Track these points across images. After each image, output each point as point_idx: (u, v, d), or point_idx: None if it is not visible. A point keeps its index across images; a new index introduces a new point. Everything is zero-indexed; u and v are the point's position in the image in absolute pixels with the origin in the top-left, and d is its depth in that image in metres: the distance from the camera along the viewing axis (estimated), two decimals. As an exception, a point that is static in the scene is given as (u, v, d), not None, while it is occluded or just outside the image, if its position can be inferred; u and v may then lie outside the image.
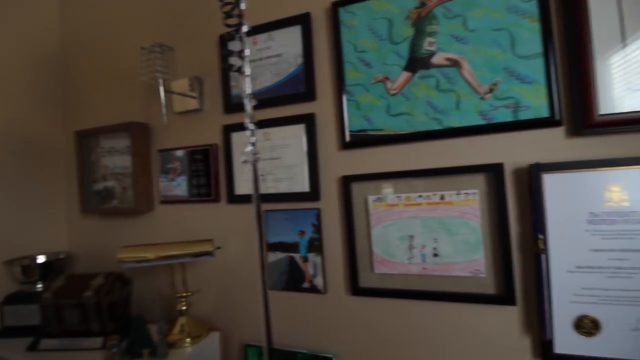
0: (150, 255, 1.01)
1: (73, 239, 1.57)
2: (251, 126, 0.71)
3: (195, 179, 1.25)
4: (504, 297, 0.87)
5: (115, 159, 1.41)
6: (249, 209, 1.18)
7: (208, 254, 1.04)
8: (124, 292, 1.21)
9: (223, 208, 1.22)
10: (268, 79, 1.15)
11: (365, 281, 1.01)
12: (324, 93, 1.08)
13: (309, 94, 1.08)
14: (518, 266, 0.87)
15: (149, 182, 1.35)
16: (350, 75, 1.04)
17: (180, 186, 1.28)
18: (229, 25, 0.69)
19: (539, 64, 0.85)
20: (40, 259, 1.38)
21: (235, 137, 1.19)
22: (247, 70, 0.68)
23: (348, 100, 1.03)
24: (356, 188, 1.02)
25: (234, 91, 1.20)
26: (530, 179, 0.83)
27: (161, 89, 1.16)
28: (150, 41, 1.34)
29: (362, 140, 1.02)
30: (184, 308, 1.13)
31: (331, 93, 1.07)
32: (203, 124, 1.27)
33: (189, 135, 1.29)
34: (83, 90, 1.56)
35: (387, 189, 0.99)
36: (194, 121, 1.28)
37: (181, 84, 1.27)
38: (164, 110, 1.17)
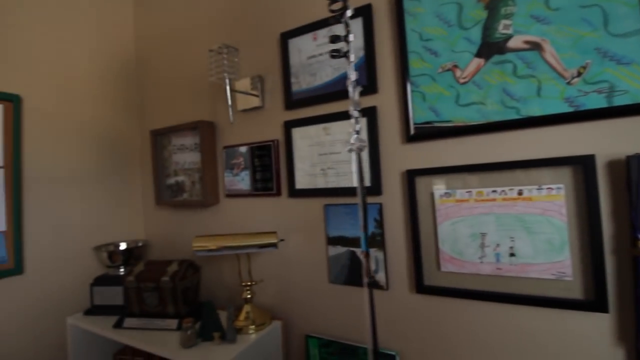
0: (220, 245, 1.08)
1: (149, 228, 1.73)
2: (355, 114, 0.70)
3: (257, 174, 1.31)
4: (594, 303, 0.78)
5: (185, 155, 1.52)
6: (309, 203, 1.20)
7: (272, 245, 1.08)
8: (194, 279, 1.31)
9: (284, 202, 1.26)
10: (329, 74, 1.15)
11: (430, 279, 0.98)
12: (387, 85, 1.06)
13: (371, 87, 1.07)
14: (611, 270, 0.78)
15: (215, 176, 1.43)
16: (415, 66, 1.00)
17: (243, 180, 1.34)
18: (333, 11, 0.71)
19: (638, 42, 0.75)
20: (122, 245, 1.53)
21: (296, 132, 1.22)
22: (352, 55, 0.68)
23: (413, 91, 1.00)
24: (421, 182, 0.99)
25: (295, 88, 1.22)
26: (629, 173, 0.73)
27: (227, 88, 1.22)
28: (216, 44, 1.42)
29: (427, 133, 0.98)
30: (249, 296, 1.18)
31: (394, 85, 1.04)
32: (264, 121, 1.31)
33: (251, 132, 1.34)
34: (156, 93, 1.70)
35: (456, 183, 0.94)
36: (256, 118, 1.34)
37: (244, 83, 1.32)
38: (230, 108, 1.23)
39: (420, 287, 0.98)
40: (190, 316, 1.23)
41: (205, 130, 1.41)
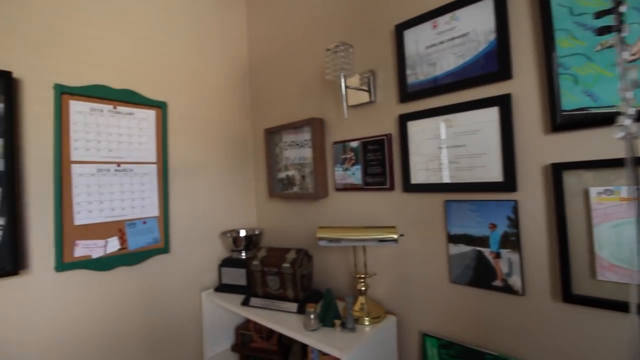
0: (342, 236, 1.12)
1: (260, 218, 1.89)
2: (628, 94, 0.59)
3: (369, 168, 1.32)
4: None
5: (295, 151, 1.62)
6: (426, 198, 1.16)
7: (392, 240, 1.08)
8: (309, 267, 1.39)
9: (397, 196, 1.24)
10: (451, 62, 1.09)
11: (581, 288, 0.86)
12: (524, 70, 0.95)
13: (504, 73, 0.98)
14: None
15: (325, 171, 1.49)
16: (563, 45, 0.88)
17: (354, 175, 1.37)
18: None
19: None
20: (242, 232, 1.71)
21: (412, 126, 1.19)
22: (625, 30, 0.57)
23: (560, 74, 0.88)
24: (571, 177, 0.87)
25: (411, 80, 1.19)
26: None
27: (343, 85, 1.25)
28: (326, 43, 1.47)
29: (580, 121, 0.85)
30: (363, 288, 1.21)
31: (534, 69, 0.94)
32: (376, 116, 1.31)
33: (362, 127, 1.36)
34: (266, 95, 1.84)
35: (620, 179, 0.80)
36: (367, 113, 1.34)
37: (355, 79, 1.34)
38: (345, 104, 1.26)
39: (568, 295, 0.87)
40: (306, 302, 1.31)
41: (317, 127, 1.48)
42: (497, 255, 0.99)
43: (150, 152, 1.49)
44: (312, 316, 1.13)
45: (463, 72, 1.06)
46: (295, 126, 1.58)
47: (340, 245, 1.15)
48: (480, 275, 1.03)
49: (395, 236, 1.07)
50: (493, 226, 1.00)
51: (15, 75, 1.16)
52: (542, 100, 0.92)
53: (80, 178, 1.29)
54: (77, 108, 1.29)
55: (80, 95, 1.30)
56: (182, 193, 1.61)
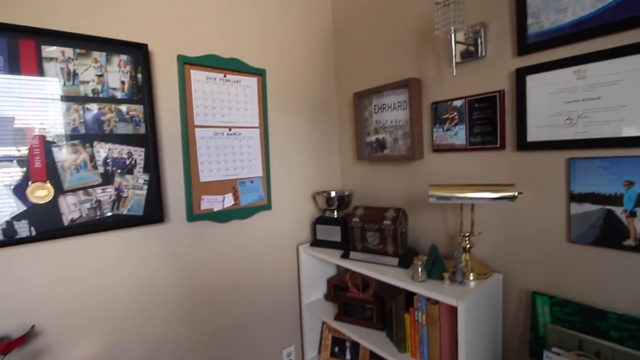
0: (456, 194, 1.14)
1: (345, 181, 1.97)
2: None
3: (475, 128, 1.29)
4: None
5: (387, 114, 1.63)
6: (543, 156, 1.12)
7: (510, 198, 1.07)
8: (406, 225, 1.44)
9: (508, 155, 1.21)
10: (587, 6, 0.99)
11: None
12: (689, 8, 0.84)
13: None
14: None
15: (421, 132, 1.49)
16: None
17: (457, 135, 1.35)
18: None
19: None
20: (332, 193, 1.80)
21: (531, 80, 1.12)
22: None
23: None
24: None
25: (533, 30, 1.11)
26: None
27: (453, 41, 1.21)
28: (428, -4, 1.41)
29: None
30: (468, 246, 1.23)
31: (703, 5, 0.82)
32: (485, 71, 1.26)
33: (468, 85, 1.32)
34: (351, 59, 1.84)
35: None
36: (474, 70, 1.29)
37: (459, 35, 1.28)
38: (454, 61, 1.22)
39: None
40: (405, 257, 1.38)
41: (414, 88, 1.46)
42: (632, 214, 0.94)
43: (254, 117, 1.60)
44: (419, 269, 1.19)
45: (602, 17, 0.97)
46: (389, 88, 1.57)
47: (449, 202, 1.17)
48: (609, 234, 0.99)
49: (514, 193, 1.06)
50: (629, 184, 0.94)
51: (149, 47, 1.31)
52: None
53: (202, 140, 1.44)
54: (197, 77, 1.43)
55: (198, 65, 1.43)
56: (278, 156, 1.72)
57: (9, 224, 1.04)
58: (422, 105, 1.49)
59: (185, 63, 1.39)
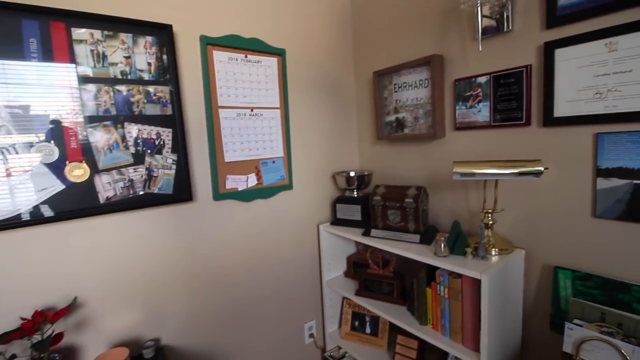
0: (480, 170, 1.15)
1: (364, 160, 1.99)
2: None
3: (500, 104, 1.28)
4: None
5: (408, 92, 1.62)
6: (569, 132, 1.12)
7: (536, 173, 1.07)
8: (427, 203, 1.46)
9: (534, 131, 1.21)
10: (622, -25, 0.96)
11: None
12: None
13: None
14: None
15: (443, 110, 1.48)
16: None
17: (480, 112, 1.34)
18: None
19: None
20: (352, 173, 1.82)
21: (560, 53, 1.10)
22: None
23: None
24: None
25: (563, 1, 1.08)
26: None
27: (479, 15, 1.19)
28: (452, -31, 1.38)
29: None
30: (491, 222, 1.25)
31: None
32: (511, 46, 1.24)
33: (492, 60, 1.30)
34: (370, 38, 1.82)
35: None
36: (500, 44, 1.27)
37: (489, 7, 1.26)
38: (479, 36, 1.21)
39: None
40: (426, 234, 1.40)
41: (437, 65, 1.45)
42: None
43: (274, 97, 1.62)
44: (442, 244, 1.22)
45: (639, -15, 0.94)
46: (411, 66, 1.56)
47: (473, 179, 1.18)
48: (636, 208, 0.99)
49: (541, 169, 1.06)
50: (660, 158, 0.94)
51: (173, 28, 1.32)
52: None
53: (225, 121, 1.47)
54: (219, 57, 1.44)
55: (220, 46, 1.44)
56: (298, 136, 1.74)
57: (51, 201, 1.09)
58: (445, 83, 1.48)
59: (208, 44, 1.40)
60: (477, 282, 1.11)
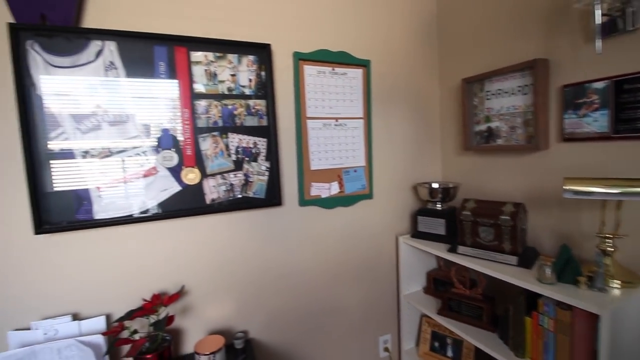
0: (599, 189, 1.00)
1: (447, 172, 1.89)
2: None
3: (623, 113, 1.11)
4: None
5: (503, 100, 1.50)
6: None
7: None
8: (526, 221, 1.32)
9: (673, 145, 1.02)
10: None
11: None
12: None
13: None
14: None
15: (546, 119, 1.34)
16: None
17: (596, 122, 1.18)
18: None
19: None
20: (435, 185, 1.75)
21: None
22: None
23: None
24: None
25: None
26: None
27: (598, 13, 1.05)
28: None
29: None
30: (611, 249, 1.07)
31: None
32: (636, 47, 1.07)
33: (611, 64, 1.13)
34: (458, 45, 1.74)
35: None
36: (621, 46, 1.11)
37: (607, 4, 1.11)
38: (599, 37, 1.07)
39: None
40: (525, 256, 1.27)
41: (541, 70, 1.32)
42: None
43: (358, 108, 1.65)
44: (548, 270, 1.09)
45: None
46: (508, 71, 1.45)
47: (589, 198, 1.04)
48: None
49: (685, 190, 0.89)
50: None
51: (271, 47, 1.44)
52: None
53: (312, 131, 1.54)
54: (309, 71, 1.52)
55: (310, 60, 1.52)
56: (379, 146, 1.74)
57: (170, 200, 1.27)
58: (550, 89, 1.34)
59: (300, 59, 1.50)
60: (594, 318, 0.96)
